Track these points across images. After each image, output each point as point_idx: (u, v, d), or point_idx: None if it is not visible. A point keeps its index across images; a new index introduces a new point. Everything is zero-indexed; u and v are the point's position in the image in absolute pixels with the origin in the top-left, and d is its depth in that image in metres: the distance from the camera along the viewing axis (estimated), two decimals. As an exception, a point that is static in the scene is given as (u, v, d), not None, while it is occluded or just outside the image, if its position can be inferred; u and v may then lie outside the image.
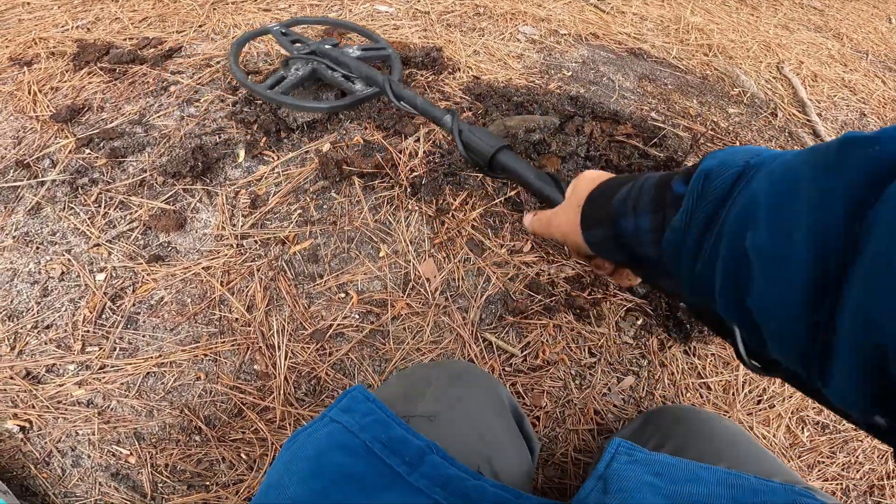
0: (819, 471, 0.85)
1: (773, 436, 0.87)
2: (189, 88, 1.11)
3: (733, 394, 0.89)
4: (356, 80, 0.96)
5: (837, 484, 0.86)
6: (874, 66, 1.89)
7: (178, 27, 1.36)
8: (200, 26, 1.33)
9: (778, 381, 0.91)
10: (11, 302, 0.79)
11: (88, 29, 1.33)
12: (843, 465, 0.88)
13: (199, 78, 1.13)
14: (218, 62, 1.16)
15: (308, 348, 0.78)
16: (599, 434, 0.83)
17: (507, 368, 0.81)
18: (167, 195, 0.89)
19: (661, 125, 1.18)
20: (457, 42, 1.16)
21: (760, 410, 0.88)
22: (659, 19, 1.69)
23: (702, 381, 0.89)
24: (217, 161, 0.93)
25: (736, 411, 0.87)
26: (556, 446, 0.81)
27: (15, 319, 0.78)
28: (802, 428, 0.89)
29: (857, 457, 0.88)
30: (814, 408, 0.91)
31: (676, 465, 0.42)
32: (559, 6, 1.53)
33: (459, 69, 1.06)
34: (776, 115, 1.37)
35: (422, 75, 1.04)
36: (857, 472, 0.87)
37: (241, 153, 0.94)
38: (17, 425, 0.70)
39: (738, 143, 1.25)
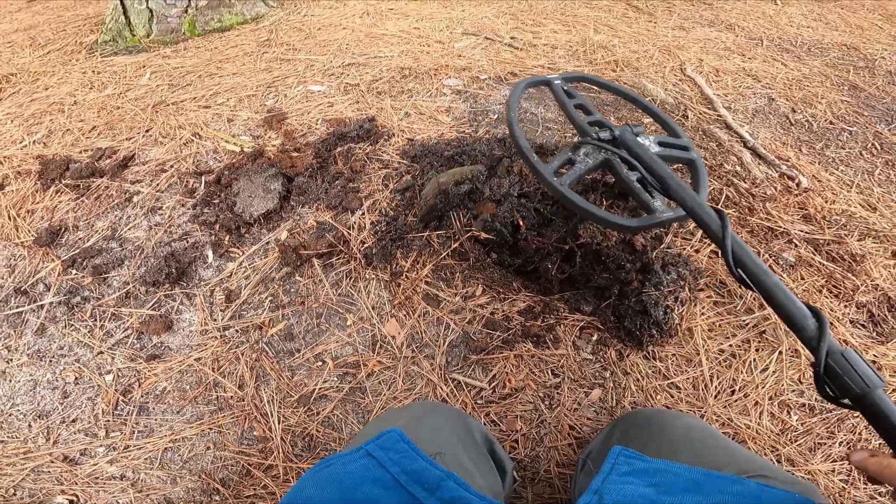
0: (822, 453, 0.88)
1: (758, 424, 0.91)
2: (151, 196, 1.20)
3: (703, 389, 0.94)
4: (654, 191, 0.79)
5: (846, 464, 0.88)
6: (770, 51, 2.06)
7: (126, 133, 1.46)
8: (147, 131, 1.43)
9: (746, 368, 0.97)
10: (38, 405, 0.95)
11: (45, 144, 1.45)
12: (847, 443, 0.91)
13: (158, 185, 1.22)
14: (172, 166, 1.24)
15: (297, 412, 0.90)
16: (579, 447, 0.92)
17: (478, 402, 0.93)
18: (151, 302, 1.04)
19: (586, 149, 1.28)
20: (388, 108, 1.28)
21: (735, 401, 0.93)
22: (567, 45, 1.85)
23: (668, 381, 0.95)
24: (189, 265, 1.03)
25: (709, 406, 0.92)
26: (539, 465, 0.92)
27: (45, 418, 0.93)
28: (788, 412, 0.93)
29: (858, 434, 0.91)
30: (794, 390, 0.95)
31: (677, 472, 0.43)
32: (477, 52, 1.67)
33: (394, 134, 1.17)
34: (688, 117, 1.50)
35: (360, 148, 1.14)
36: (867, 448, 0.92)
37: (210, 254, 1.04)
38: (67, 499, 0.84)
39: None
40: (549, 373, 0.96)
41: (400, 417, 0.63)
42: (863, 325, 1.05)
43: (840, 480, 0.86)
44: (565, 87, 0.97)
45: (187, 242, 1.10)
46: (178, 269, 1.03)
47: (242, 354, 0.95)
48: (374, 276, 1.00)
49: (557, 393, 0.95)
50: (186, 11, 2.02)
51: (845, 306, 1.06)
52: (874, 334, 1.03)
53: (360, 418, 0.90)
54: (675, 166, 0.93)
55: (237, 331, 0.98)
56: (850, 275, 1.11)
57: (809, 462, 0.87)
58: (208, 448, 0.87)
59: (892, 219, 1.29)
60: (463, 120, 1.34)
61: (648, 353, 0.98)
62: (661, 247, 1.07)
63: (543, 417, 0.93)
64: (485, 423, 0.90)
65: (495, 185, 1.12)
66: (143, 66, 1.81)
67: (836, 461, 0.87)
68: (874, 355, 0.99)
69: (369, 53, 1.73)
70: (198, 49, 1.89)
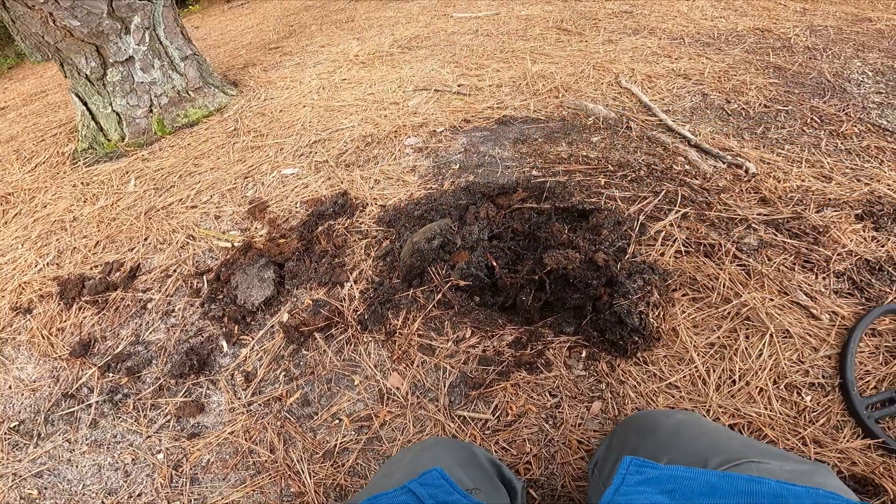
0: (850, 430, 0.88)
1: (769, 410, 0.92)
2: (163, 302, 1.31)
3: (702, 384, 0.98)
4: None
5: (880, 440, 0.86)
6: (693, 48, 2.21)
7: (128, 245, 1.58)
8: (146, 239, 1.55)
9: (740, 356, 0.99)
10: (106, 484, 1.07)
11: (57, 265, 1.60)
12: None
13: (166, 290, 1.33)
14: (175, 270, 1.35)
15: (325, 466, 1.00)
16: (591, 459, 0.96)
17: (485, 432, 1.00)
18: (182, 391, 1.16)
19: (544, 178, 1.40)
20: (357, 180, 1.39)
21: (739, 391, 0.96)
22: (511, 81, 1.99)
23: (665, 382, 1.00)
24: (208, 356, 1.16)
25: (712, 400, 0.95)
26: (556, 482, 0.97)
27: (114, 494, 1.05)
28: (799, 393, 0.94)
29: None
30: (797, 370, 0.96)
31: (691, 477, 0.42)
32: (430, 106, 1.80)
33: (367, 204, 1.28)
34: (630, 128, 1.61)
35: (339, 223, 1.25)
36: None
37: (224, 344, 1.14)
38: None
39: (610, 167, 1.46)
40: (547, 394, 1.04)
41: (407, 454, 0.69)
42: (849, 294, 1.07)
43: (880, 455, 0.84)
44: None
45: (202, 337, 1.22)
46: (199, 360, 1.16)
47: (268, 424, 1.05)
48: (371, 338, 1.10)
49: (559, 412, 1.02)
50: (151, 111, 2.17)
51: (824, 278, 1.10)
52: (863, 300, 1.05)
53: (381, 463, 0.98)
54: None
55: (260, 405, 1.09)
56: (817, 247, 1.16)
57: (838, 441, 0.87)
58: (256, 506, 0.97)
59: (849, 185, 1.34)
60: (428, 176, 1.46)
61: (639, 359, 1.02)
62: (626, 258, 1.17)
63: (550, 436, 0.99)
64: (495, 451, 0.97)
65: (466, 233, 1.22)
66: (127, 173, 1.96)
67: (865, 437, 0.85)
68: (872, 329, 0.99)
69: (331, 127, 1.88)
70: (172, 148, 2.05)
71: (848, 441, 0.87)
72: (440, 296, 1.10)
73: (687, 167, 1.48)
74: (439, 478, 0.54)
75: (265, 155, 1.82)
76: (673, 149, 1.55)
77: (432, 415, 1.02)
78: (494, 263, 1.13)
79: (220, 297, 1.23)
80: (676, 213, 1.28)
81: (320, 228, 1.30)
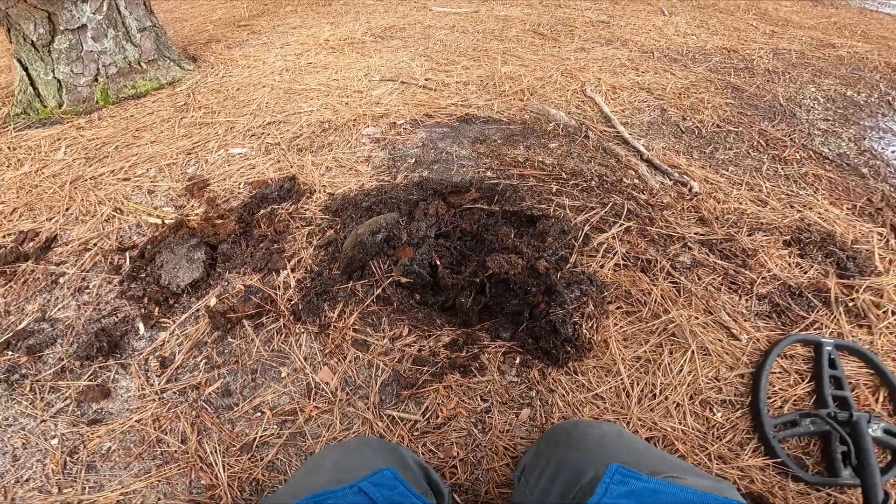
0: (751, 448, 0.92)
1: (683, 425, 0.95)
2: (77, 277, 1.21)
3: (625, 396, 1.00)
4: (848, 465, 0.88)
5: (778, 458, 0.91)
6: (661, 62, 2.28)
7: (47, 214, 1.45)
8: (67, 209, 1.43)
9: (663, 371, 1.03)
10: None
11: None
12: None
13: (83, 265, 1.23)
14: (95, 244, 1.24)
15: (241, 460, 0.95)
16: (516, 466, 0.96)
17: (414, 433, 0.98)
18: (87, 374, 1.06)
19: (497, 181, 1.39)
20: (308, 165, 1.34)
21: (658, 405, 0.99)
22: (478, 80, 1.98)
23: (592, 393, 1.02)
24: (121, 338, 1.09)
25: (633, 413, 0.98)
26: (480, 487, 0.97)
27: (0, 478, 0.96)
28: (711, 409, 0.98)
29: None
30: (712, 387, 1.01)
31: (671, 493, 0.43)
32: (394, 97, 1.76)
33: (315, 191, 1.23)
34: (588, 137, 1.64)
35: (283, 208, 1.19)
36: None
37: (141, 326, 1.07)
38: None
39: (564, 175, 1.47)
40: (479, 399, 1.03)
41: (335, 452, 0.66)
42: (768, 317, 1.12)
43: (777, 474, 0.88)
44: (832, 356, 1.01)
45: (117, 317, 1.13)
46: (111, 342, 1.07)
47: (182, 413, 0.99)
48: (303, 330, 1.05)
49: (488, 417, 1.01)
50: (96, 80, 2.03)
51: (747, 300, 1.15)
52: (780, 324, 1.10)
53: (303, 459, 0.94)
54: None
55: (175, 392, 1.02)
56: (744, 269, 1.21)
57: (740, 457, 0.91)
58: (159, 498, 0.90)
59: (782, 210, 1.41)
60: (382, 168, 1.42)
61: (569, 368, 1.04)
62: (567, 267, 1.18)
63: (478, 441, 0.99)
64: (422, 453, 0.96)
65: (414, 229, 1.19)
66: (58, 140, 1.81)
67: (766, 456, 0.90)
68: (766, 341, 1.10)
69: (289, 110, 1.80)
70: (113, 118, 1.91)
71: (749, 459, 0.91)
72: (380, 291, 1.07)
73: (636, 181, 1.51)
74: (392, 478, 0.53)
75: (214, 132, 1.71)
76: (626, 161, 1.59)
77: (361, 413, 0.99)
78: (438, 262, 1.11)
79: (143, 275, 1.14)
80: (620, 226, 1.30)
81: (262, 212, 1.23)
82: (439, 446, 0.97)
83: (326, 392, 1.01)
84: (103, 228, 1.34)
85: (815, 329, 1.09)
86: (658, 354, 1.05)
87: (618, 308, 1.14)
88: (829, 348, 1.02)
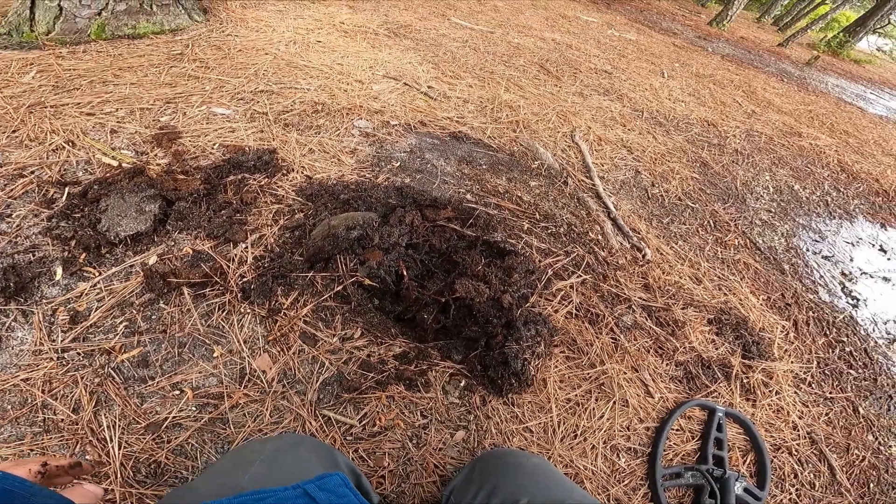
0: (642, 493, 1.01)
1: (594, 466, 1.01)
2: (0, 202, 1.04)
3: (552, 433, 1.05)
4: None
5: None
6: (648, 123, 2.40)
7: None
8: (14, 131, 1.27)
9: (587, 415, 1.10)
10: None
11: None
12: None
13: (12, 190, 1.08)
14: (33, 172, 1.10)
15: (143, 438, 0.85)
16: (443, 485, 0.96)
17: (347, 438, 0.94)
18: None
19: (475, 206, 1.38)
20: (292, 142, 1.27)
21: (577, 444, 1.04)
22: (479, 100, 1.99)
23: (523, 425, 1.04)
24: (32, 280, 0.93)
25: (556, 449, 1.02)
26: (405, 500, 0.93)
27: None
28: (618, 455, 1.05)
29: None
30: (623, 435, 1.08)
31: None
32: (394, 97, 1.73)
33: (293, 170, 1.16)
34: (567, 184, 1.68)
35: (255, 179, 1.11)
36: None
37: (59, 271, 0.94)
38: None
39: (537, 215, 1.49)
40: (419, 414, 1.00)
41: (265, 448, 0.62)
42: (679, 381, 1.22)
43: None
44: (721, 421, 1.14)
45: (33, 256, 0.98)
46: (18, 283, 0.92)
47: (82, 378, 0.87)
48: (249, 310, 0.98)
49: (425, 433, 0.99)
50: (100, 14, 1.84)
51: (667, 364, 1.24)
52: (688, 389, 1.21)
53: (219, 448, 0.86)
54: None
55: (79, 354, 0.89)
56: (671, 338, 1.31)
57: (632, 501, 0.98)
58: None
59: (712, 291, 1.53)
60: (366, 164, 1.38)
61: (508, 399, 1.06)
62: (527, 305, 1.19)
63: (410, 455, 0.96)
64: (353, 459, 0.91)
65: (386, 233, 1.16)
66: (31, 64, 1.60)
67: (651, 502, 0.99)
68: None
69: (286, 83, 1.72)
70: (98, 53, 1.72)
71: (638, 502, 0.98)
72: (340, 288, 1.02)
73: (600, 237, 1.58)
74: (342, 485, 0.50)
75: (201, 87, 1.59)
76: (595, 216, 1.65)
77: (295, 408, 0.93)
78: (405, 273, 1.08)
79: (79, 216, 1.01)
80: (579, 277, 1.35)
81: (232, 178, 1.14)
82: (371, 454, 0.93)
83: (261, 381, 0.93)
84: (47, 157, 1.18)
85: (713, 397, 1.21)
86: (586, 400, 1.11)
87: (562, 352, 1.18)
88: (721, 414, 1.15)
